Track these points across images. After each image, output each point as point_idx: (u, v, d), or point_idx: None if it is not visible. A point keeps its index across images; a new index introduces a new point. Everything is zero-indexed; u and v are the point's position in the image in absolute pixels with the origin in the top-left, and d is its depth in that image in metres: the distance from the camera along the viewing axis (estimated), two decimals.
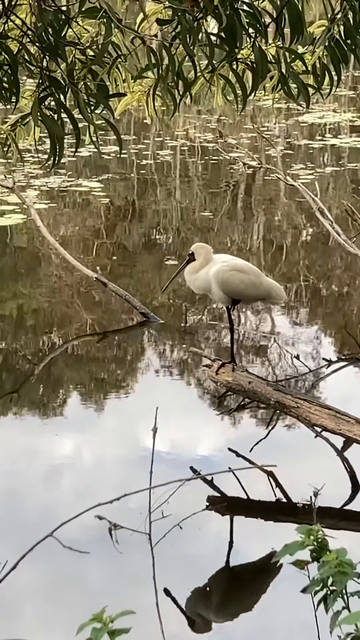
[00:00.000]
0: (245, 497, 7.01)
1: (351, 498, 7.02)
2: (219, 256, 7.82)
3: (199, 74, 4.22)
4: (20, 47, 3.81)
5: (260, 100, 19.79)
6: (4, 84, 3.82)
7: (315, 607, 3.11)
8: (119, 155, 16.80)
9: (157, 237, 13.55)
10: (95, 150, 15.62)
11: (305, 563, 3.14)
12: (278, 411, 7.78)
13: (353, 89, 24.14)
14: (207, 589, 5.98)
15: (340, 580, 2.90)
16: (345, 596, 2.96)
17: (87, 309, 10.76)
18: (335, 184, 16.11)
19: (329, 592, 2.96)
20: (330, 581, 2.96)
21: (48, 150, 3.96)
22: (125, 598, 5.54)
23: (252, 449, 7.61)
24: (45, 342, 10.10)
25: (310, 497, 5.23)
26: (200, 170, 17.07)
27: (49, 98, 3.81)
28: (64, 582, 5.95)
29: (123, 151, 17.58)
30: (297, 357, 9.50)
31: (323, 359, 9.55)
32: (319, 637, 3.74)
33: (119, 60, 3.97)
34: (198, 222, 13.97)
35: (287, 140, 19.15)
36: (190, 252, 7.79)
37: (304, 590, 3.06)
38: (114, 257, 12.45)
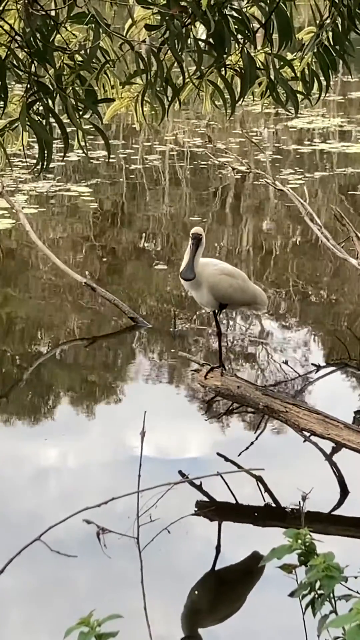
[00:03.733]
0: (234, 501, 7.02)
1: (340, 503, 7.03)
2: (207, 260, 7.80)
3: (187, 79, 4.22)
4: (9, 52, 3.81)
5: (249, 105, 19.83)
6: None
7: (303, 610, 3.12)
8: (107, 160, 16.81)
9: (146, 241, 13.55)
10: (84, 155, 15.63)
11: (292, 567, 3.15)
12: (267, 416, 7.78)
13: (342, 94, 24.18)
14: (196, 592, 5.98)
15: (327, 584, 2.92)
16: (332, 600, 2.97)
17: (76, 314, 10.76)
18: (324, 189, 16.13)
19: (316, 596, 2.97)
20: (317, 585, 2.97)
21: (36, 155, 3.96)
22: (113, 602, 5.54)
23: (240, 453, 7.62)
24: (34, 347, 10.10)
25: (299, 502, 5.23)
26: (189, 175, 17.08)
27: (37, 103, 3.81)
28: (51, 586, 5.95)
29: (112, 156, 17.58)
30: (286, 362, 9.52)
31: (312, 363, 9.57)
32: None
33: (107, 65, 3.98)
34: (187, 226, 13.97)
35: (276, 145, 19.18)
36: (199, 235, 7.38)
37: (291, 594, 3.07)
38: (103, 262, 12.45)
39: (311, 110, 21.12)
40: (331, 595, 2.94)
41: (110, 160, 17.42)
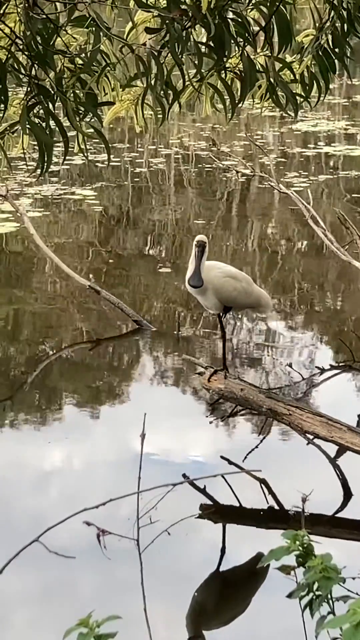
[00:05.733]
0: (238, 504, 7.02)
1: (343, 505, 7.03)
2: (212, 263, 7.81)
3: (187, 82, 4.23)
4: (9, 56, 3.82)
5: (253, 109, 19.82)
6: None
7: (302, 612, 3.13)
8: (107, 164, 16.82)
9: (151, 244, 13.57)
10: (84, 158, 15.63)
11: (290, 568, 3.15)
12: (270, 418, 7.79)
13: (347, 97, 24.19)
14: (196, 594, 5.98)
15: (325, 585, 2.92)
16: (330, 601, 2.97)
17: (81, 317, 10.77)
18: (328, 192, 16.14)
19: (314, 597, 2.97)
20: (315, 586, 2.97)
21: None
22: (113, 604, 5.55)
23: (245, 458, 7.62)
24: (39, 350, 10.11)
25: (303, 505, 5.23)
26: (194, 178, 17.10)
27: (38, 106, 3.82)
28: (52, 588, 5.96)
29: (117, 159, 17.60)
30: (290, 365, 9.52)
31: (316, 366, 9.57)
32: None
33: (108, 68, 3.99)
34: (192, 229, 13.99)
35: (281, 148, 19.19)
36: (203, 242, 7.40)
37: (289, 595, 3.08)
38: (108, 265, 12.46)
39: (316, 113, 21.14)
40: (329, 596, 2.95)
41: (115, 163, 17.45)
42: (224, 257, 12.40)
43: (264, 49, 4.27)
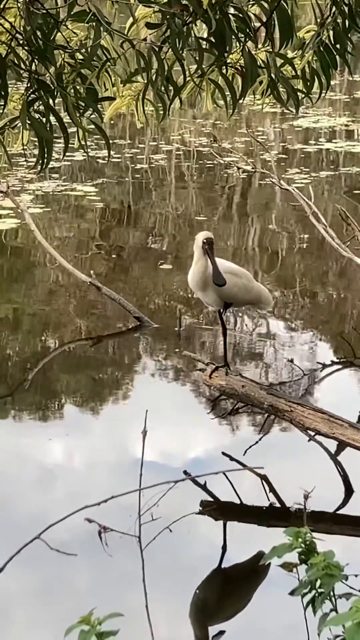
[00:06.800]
0: (239, 501, 7.01)
1: (344, 502, 7.02)
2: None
3: (188, 78, 4.22)
4: (9, 50, 3.81)
5: (254, 105, 19.80)
6: None
7: (304, 609, 3.12)
8: (108, 159, 16.80)
9: (152, 241, 13.55)
10: (85, 153, 15.63)
11: (293, 565, 3.14)
12: (272, 415, 7.77)
13: (348, 93, 24.16)
14: (197, 591, 5.98)
15: (327, 582, 2.91)
16: (333, 598, 2.97)
17: (82, 313, 10.76)
18: (329, 188, 16.12)
19: (316, 594, 2.96)
20: (318, 583, 2.96)
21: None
22: (114, 601, 5.55)
23: (245, 452, 7.61)
24: (40, 346, 10.11)
25: (305, 502, 5.22)
26: (195, 174, 17.08)
27: (38, 101, 3.81)
28: (53, 585, 5.96)
29: (118, 155, 17.59)
30: (291, 361, 9.51)
31: (317, 362, 9.56)
32: (308, 639, 3.74)
33: (108, 64, 3.98)
34: (193, 226, 13.98)
35: (282, 144, 19.17)
36: (212, 239, 7.37)
37: (292, 593, 3.07)
38: (109, 261, 12.45)
39: (317, 110, 21.12)
40: (331, 593, 2.94)
41: (116, 159, 17.44)
42: (225, 253, 12.38)
43: (265, 45, 4.26)
